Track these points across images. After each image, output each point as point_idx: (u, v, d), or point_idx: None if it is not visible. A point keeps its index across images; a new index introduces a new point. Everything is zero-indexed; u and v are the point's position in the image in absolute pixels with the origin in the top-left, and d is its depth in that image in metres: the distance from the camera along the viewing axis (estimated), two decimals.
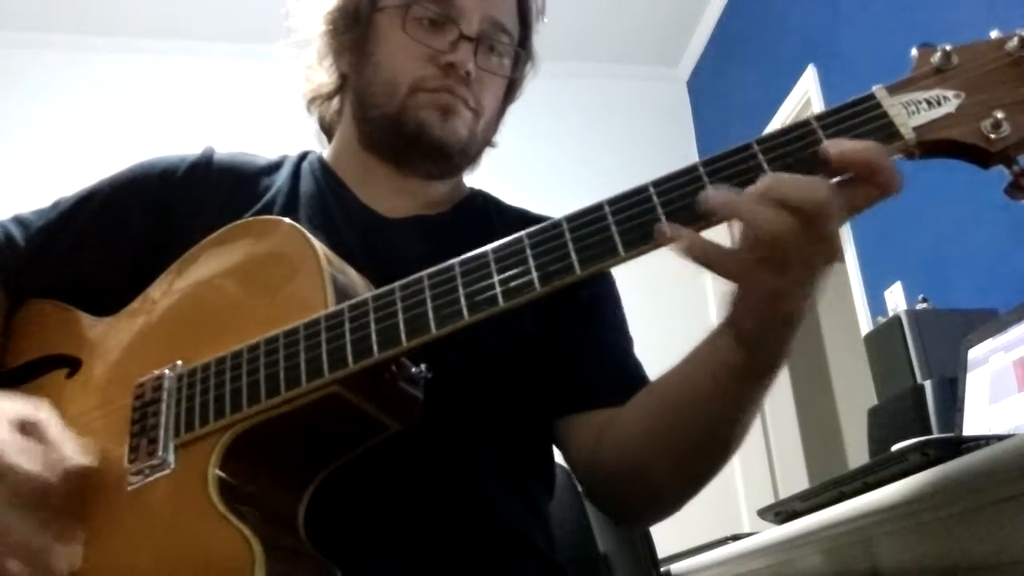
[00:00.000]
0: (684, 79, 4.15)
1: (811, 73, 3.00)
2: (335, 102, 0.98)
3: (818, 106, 2.94)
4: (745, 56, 3.60)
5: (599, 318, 0.92)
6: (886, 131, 0.60)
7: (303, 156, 0.99)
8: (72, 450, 0.68)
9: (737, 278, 0.60)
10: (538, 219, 0.97)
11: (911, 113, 0.60)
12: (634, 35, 3.91)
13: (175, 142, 1.14)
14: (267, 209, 0.89)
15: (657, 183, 0.62)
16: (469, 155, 0.94)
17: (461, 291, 0.65)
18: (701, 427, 0.74)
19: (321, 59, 0.96)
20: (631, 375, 0.88)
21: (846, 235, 2.75)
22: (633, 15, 3.78)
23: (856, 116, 0.60)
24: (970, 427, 1.29)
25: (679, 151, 3.91)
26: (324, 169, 0.96)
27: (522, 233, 0.65)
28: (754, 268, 0.58)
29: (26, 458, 0.65)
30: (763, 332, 0.63)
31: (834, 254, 0.58)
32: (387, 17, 0.91)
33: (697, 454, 0.77)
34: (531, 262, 0.63)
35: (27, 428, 0.68)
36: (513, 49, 0.94)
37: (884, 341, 1.80)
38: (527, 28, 0.97)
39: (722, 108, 3.82)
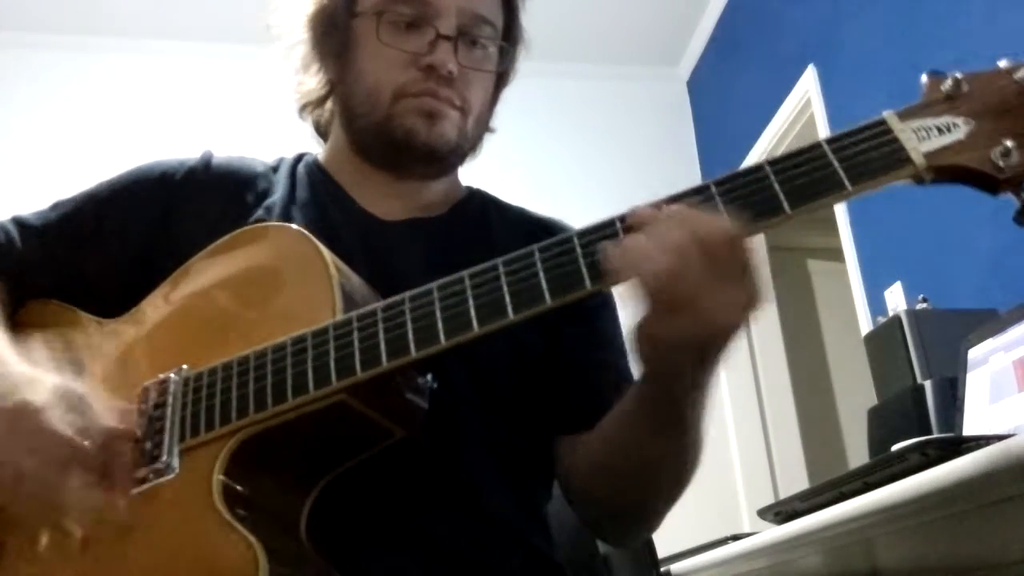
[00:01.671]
0: (684, 79, 4.15)
1: (811, 73, 3.00)
2: (328, 105, 0.97)
3: (818, 106, 2.94)
4: (745, 56, 3.60)
5: (597, 333, 0.92)
6: (897, 156, 0.61)
7: (299, 159, 0.99)
8: (106, 418, 0.70)
9: (652, 279, 0.60)
10: (538, 219, 0.97)
11: (921, 139, 0.61)
12: (634, 35, 3.91)
13: (171, 143, 1.15)
14: (266, 213, 0.89)
15: (670, 200, 0.64)
16: (462, 153, 0.93)
17: (471, 302, 0.65)
18: (629, 451, 0.76)
19: (307, 66, 0.95)
20: (619, 394, 0.88)
21: (847, 234, 2.76)
22: (633, 15, 3.78)
23: (867, 141, 0.61)
24: (970, 427, 1.29)
25: (679, 151, 3.92)
26: (320, 172, 0.96)
27: (533, 246, 0.66)
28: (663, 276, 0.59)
29: (67, 422, 0.67)
30: (664, 362, 0.65)
31: (739, 303, 0.60)
32: (363, 23, 0.89)
33: (628, 478, 0.79)
34: (542, 274, 0.64)
35: (68, 397, 0.69)
36: (497, 40, 0.92)
37: (884, 341, 1.80)
38: (512, 13, 0.95)
39: (722, 108, 3.82)
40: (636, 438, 0.74)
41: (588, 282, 0.63)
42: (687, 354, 0.63)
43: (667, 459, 0.75)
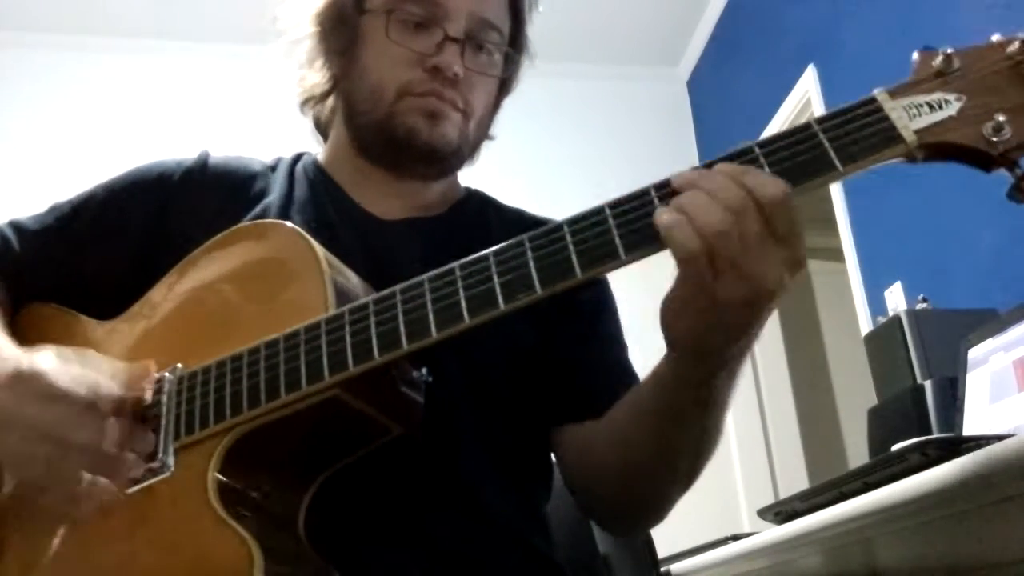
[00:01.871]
0: (684, 79, 4.15)
1: (811, 73, 3.00)
2: (330, 101, 0.97)
3: (818, 106, 2.94)
4: (745, 56, 3.60)
5: (594, 330, 0.92)
6: (887, 134, 0.59)
7: (297, 158, 0.99)
8: (109, 377, 0.70)
9: (695, 254, 0.58)
10: (535, 220, 0.97)
11: (912, 116, 0.60)
12: (634, 35, 3.91)
13: (170, 143, 1.15)
14: (263, 213, 0.89)
15: (659, 186, 0.62)
16: (462, 156, 0.93)
17: (462, 293, 0.64)
18: (643, 443, 0.75)
19: (311, 61, 0.95)
20: (623, 387, 0.88)
21: (847, 234, 2.75)
22: (633, 15, 3.78)
23: (857, 119, 0.60)
24: (970, 427, 1.29)
25: (679, 151, 3.91)
26: (319, 172, 0.96)
27: (523, 236, 0.65)
28: (709, 248, 0.57)
29: (74, 383, 0.67)
30: (698, 335, 0.63)
31: (786, 265, 0.59)
32: (372, 20, 0.90)
33: (640, 471, 0.78)
34: (532, 264, 0.63)
35: (75, 360, 0.70)
36: (504, 47, 0.93)
37: (884, 341, 1.80)
38: (519, 22, 0.95)
39: (722, 108, 3.82)
40: (652, 426, 0.73)
41: (578, 270, 0.61)
42: (730, 317, 0.60)
43: (684, 446, 0.74)
